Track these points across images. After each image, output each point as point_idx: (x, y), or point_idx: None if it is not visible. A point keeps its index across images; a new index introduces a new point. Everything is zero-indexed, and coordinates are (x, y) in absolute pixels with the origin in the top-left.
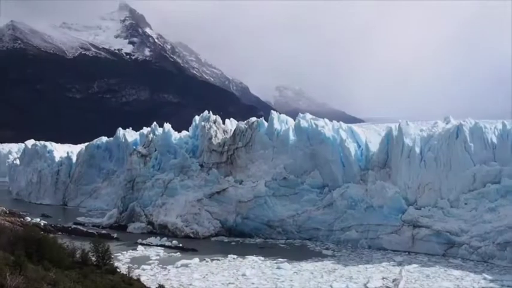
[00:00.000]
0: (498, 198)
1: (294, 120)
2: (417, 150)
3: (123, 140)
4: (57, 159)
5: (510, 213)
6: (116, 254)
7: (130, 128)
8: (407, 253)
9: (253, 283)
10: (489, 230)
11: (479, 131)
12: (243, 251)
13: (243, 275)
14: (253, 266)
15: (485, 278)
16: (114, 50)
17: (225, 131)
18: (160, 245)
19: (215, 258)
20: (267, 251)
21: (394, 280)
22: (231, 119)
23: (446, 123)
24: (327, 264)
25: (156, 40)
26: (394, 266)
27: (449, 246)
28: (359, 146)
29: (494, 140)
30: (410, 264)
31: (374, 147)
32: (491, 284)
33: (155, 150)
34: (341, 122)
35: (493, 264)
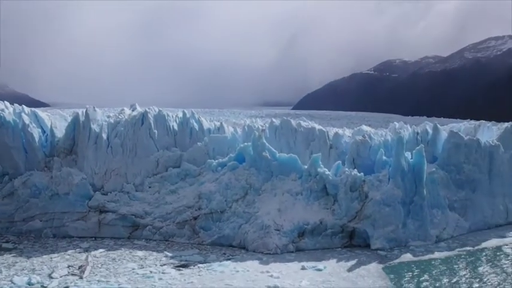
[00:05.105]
0: (178, 181)
1: None
2: (104, 136)
3: None
4: None
5: (188, 194)
6: None
7: None
8: (93, 239)
9: None
10: (170, 211)
11: (162, 118)
12: None
13: None
14: None
15: (166, 256)
16: None
17: None
18: None
19: None
20: None
21: (80, 267)
22: None
23: (133, 111)
24: (7, 258)
25: None
26: (80, 252)
27: (134, 229)
28: (44, 132)
29: (176, 127)
30: (96, 250)
31: (60, 133)
32: (172, 260)
33: None
34: (23, 106)
35: (173, 242)
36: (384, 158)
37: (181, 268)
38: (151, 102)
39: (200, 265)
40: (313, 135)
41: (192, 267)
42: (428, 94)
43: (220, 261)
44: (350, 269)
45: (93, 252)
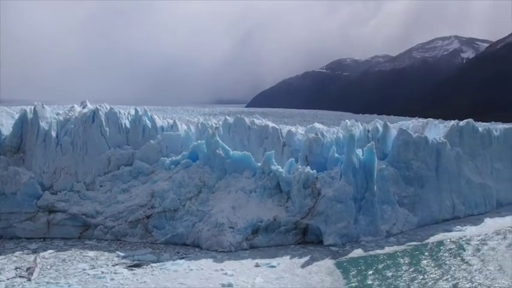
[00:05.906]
0: (131, 180)
1: None
2: (53, 134)
3: None
4: None
5: (141, 193)
6: None
7: None
8: (42, 239)
9: None
10: (122, 210)
11: (114, 116)
12: None
13: None
14: None
15: (118, 255)
16: None
17: None
18: None
19: None
20: None
21: (28, 269)
22: None
23: (83, 108)
24: None
25: None
26: (28, 254)
27: (85, 229)
28: None
29: (128, 124)
30: (46, 251)
31: (7, 130)
32: (124, 260)
33: None
34: None
35: (125, 241)
36: (336, 155)
37: (133, 268)
38: (103, 99)
39: (153, 264)
40: (266, 133)
41: (144, 266)
42: (379, 93)
43: (174, 260)
44: (303, 266)
45: (42, 254)
